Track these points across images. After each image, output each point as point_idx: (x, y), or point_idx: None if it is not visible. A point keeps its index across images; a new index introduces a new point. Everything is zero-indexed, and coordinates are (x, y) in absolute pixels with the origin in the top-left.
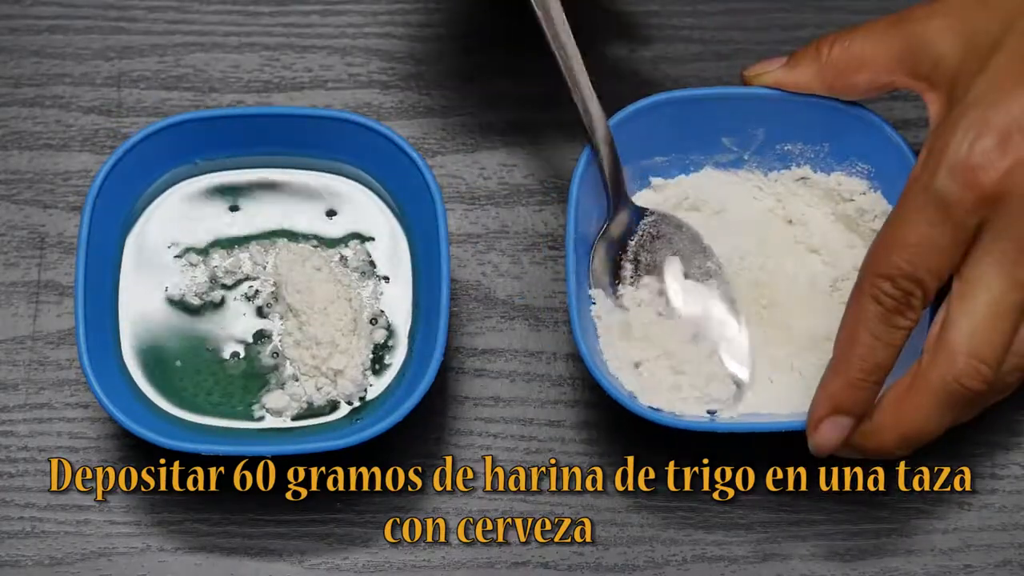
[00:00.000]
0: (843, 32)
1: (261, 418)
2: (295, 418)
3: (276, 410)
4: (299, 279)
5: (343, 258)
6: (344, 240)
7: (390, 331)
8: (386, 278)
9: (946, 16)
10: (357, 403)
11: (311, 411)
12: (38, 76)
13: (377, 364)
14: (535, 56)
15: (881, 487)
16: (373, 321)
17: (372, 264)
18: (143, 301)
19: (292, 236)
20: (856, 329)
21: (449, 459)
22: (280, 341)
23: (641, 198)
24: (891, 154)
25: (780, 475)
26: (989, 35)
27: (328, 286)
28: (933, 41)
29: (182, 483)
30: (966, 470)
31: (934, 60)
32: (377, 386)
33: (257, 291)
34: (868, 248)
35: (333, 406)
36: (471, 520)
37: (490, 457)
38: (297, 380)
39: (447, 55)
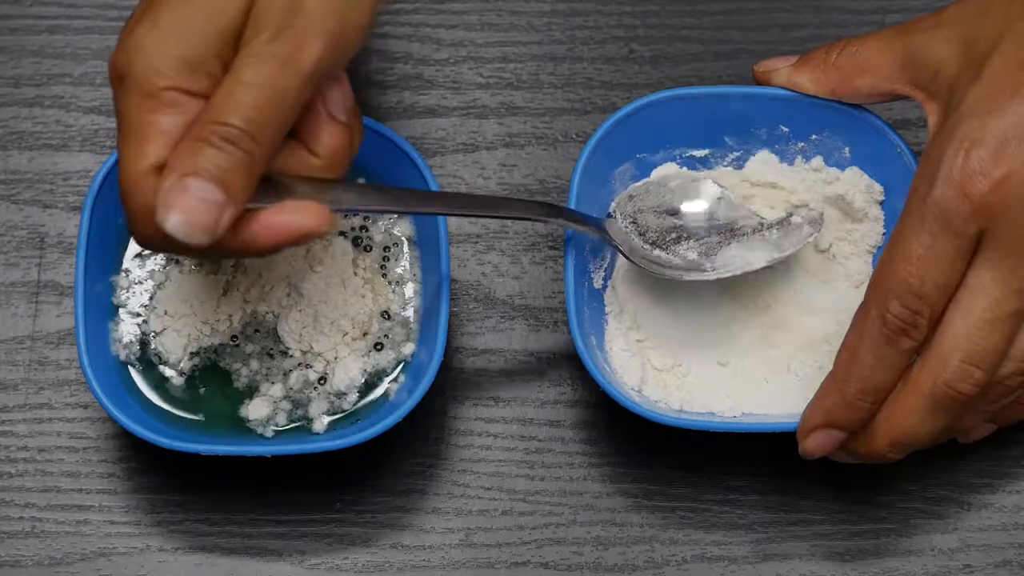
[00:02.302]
0: (854, 38)
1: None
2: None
3: (259, 420)
4: (323, 267)
5: (366, 248)
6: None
7: (391, 332)
8: (392, 279)
9: (948, 26)
10: (339, 414)
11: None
12: (38, 76)
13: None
14: (531, 58)
15: (881, 487)
16: (385, 314)
17: (383, 265)
18: (143, 300)
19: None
20: (858, 348)
21: (449, 459)
22: (284, 327)
23: None
24: (893, 157)
25: (780, 475)
26: (986, 42)
27: (354, 279)
28: (934, 51)
29: (182, 483)
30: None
31: (934, 70)
32: (377, 386)
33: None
34: (866, 257)
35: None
36: (471, 521)
37: (490, 457)
38: (283, 379)
39: (446, 56)
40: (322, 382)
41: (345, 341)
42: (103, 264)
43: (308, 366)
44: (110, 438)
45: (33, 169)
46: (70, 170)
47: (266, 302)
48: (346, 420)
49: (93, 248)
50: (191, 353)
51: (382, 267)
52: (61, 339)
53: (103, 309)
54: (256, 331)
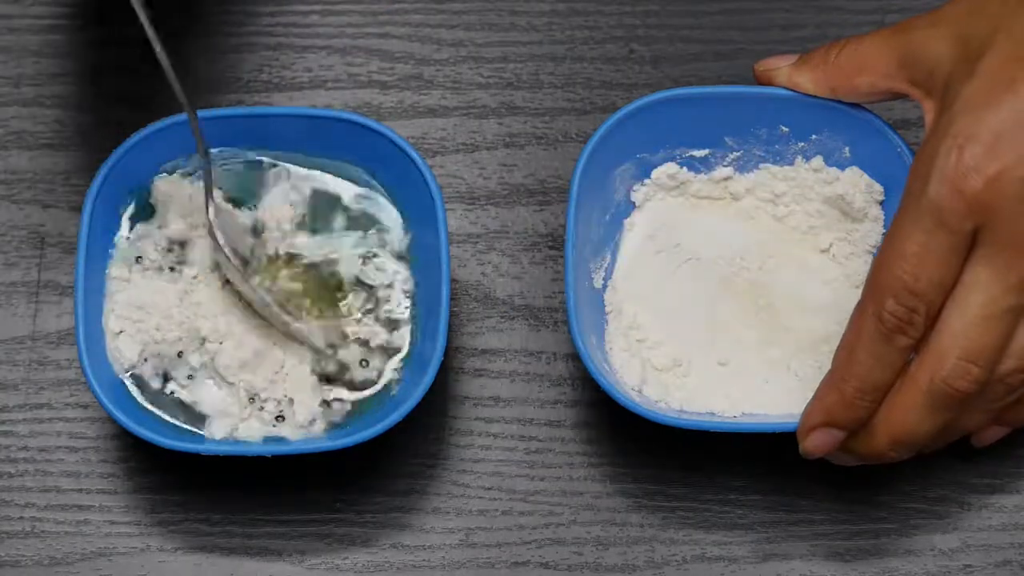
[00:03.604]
0: (853, 37)
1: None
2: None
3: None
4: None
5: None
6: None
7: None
8: (369, 288)
9: (944, 24)
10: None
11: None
12: (38, 76)
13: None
14: (531, 58)
15: (881, 487)
16: (360, 342)
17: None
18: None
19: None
20: (856, 346)
21: (449, 459)
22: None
23: (640, 193)
24: (893, 157)
25: (780, 475)
26: (981, 39)
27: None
28: (930, 49)
29: (182, 483)
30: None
31: (930, 67)
32: (377, 386)
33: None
34: (866, 257)
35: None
36: (471, 521)
37: (490, 457)
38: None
39: (446, 56)
40: (280, 419)
41: (296, 375)
42: (103, 264)
43: (260, 407)
44: (110, 438)
45: (33, 169)
46: (70, 170)
47: (209, 322)
48: (344, 423)
49: (93, 248)
50: (144, 359)
51: (347, 293)
52: (61, 339)
53: (103, 309)
54: (203, 344)
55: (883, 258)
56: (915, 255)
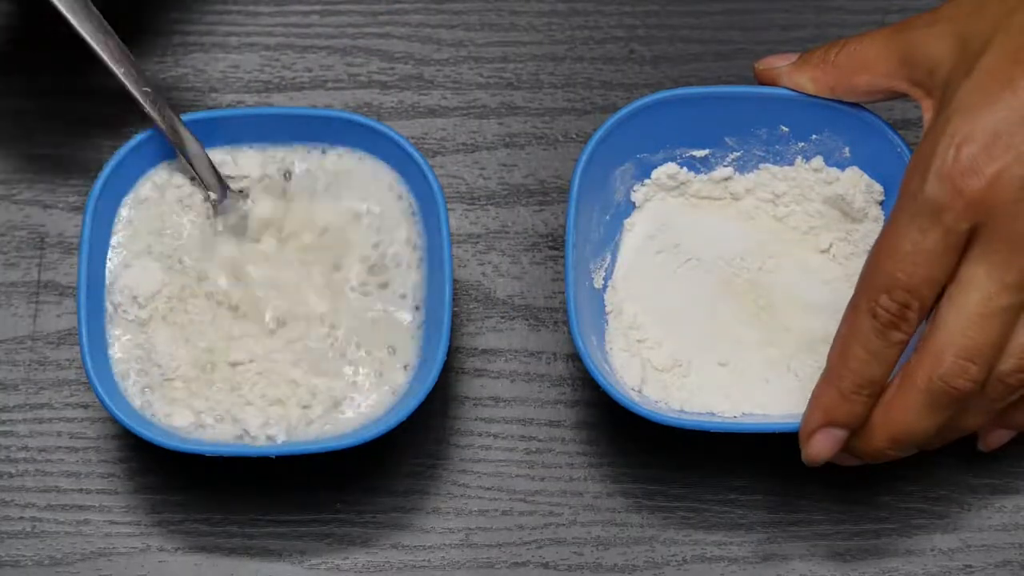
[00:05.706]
0: (853, 37)
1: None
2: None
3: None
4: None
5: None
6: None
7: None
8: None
9: (944, 23)
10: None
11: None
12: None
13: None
14: (531, 58)
15: (881, 487)
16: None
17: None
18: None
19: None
20: (850, 343)
21: (449, 459)
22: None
23: (640, 194)
24: (893, 157)
25: (780, 475)
26: (980, 38)
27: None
28: (929, 48)
29: (182, 483)
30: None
31: (929, 67)
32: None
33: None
34: (866, 257)
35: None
36: (471, 521)
37: (490, 457)
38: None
39: (446, 56)
40: (240, 437)
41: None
42: (104, 264)
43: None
44: (110, 438)
45: (33, 169)
46: (70, 170)
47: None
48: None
49: (95, 248)
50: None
51: None
52: (61, 339)
53: (104, 309)
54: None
55: (877, 255)
56: (910, 253)
